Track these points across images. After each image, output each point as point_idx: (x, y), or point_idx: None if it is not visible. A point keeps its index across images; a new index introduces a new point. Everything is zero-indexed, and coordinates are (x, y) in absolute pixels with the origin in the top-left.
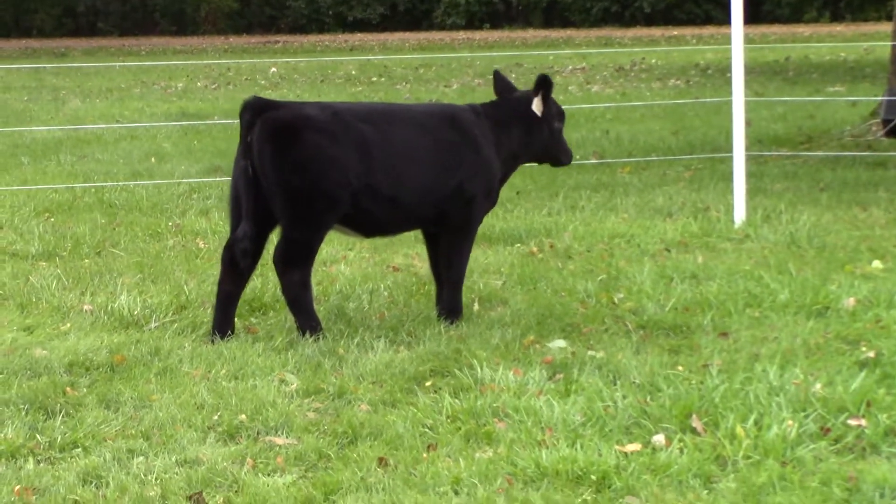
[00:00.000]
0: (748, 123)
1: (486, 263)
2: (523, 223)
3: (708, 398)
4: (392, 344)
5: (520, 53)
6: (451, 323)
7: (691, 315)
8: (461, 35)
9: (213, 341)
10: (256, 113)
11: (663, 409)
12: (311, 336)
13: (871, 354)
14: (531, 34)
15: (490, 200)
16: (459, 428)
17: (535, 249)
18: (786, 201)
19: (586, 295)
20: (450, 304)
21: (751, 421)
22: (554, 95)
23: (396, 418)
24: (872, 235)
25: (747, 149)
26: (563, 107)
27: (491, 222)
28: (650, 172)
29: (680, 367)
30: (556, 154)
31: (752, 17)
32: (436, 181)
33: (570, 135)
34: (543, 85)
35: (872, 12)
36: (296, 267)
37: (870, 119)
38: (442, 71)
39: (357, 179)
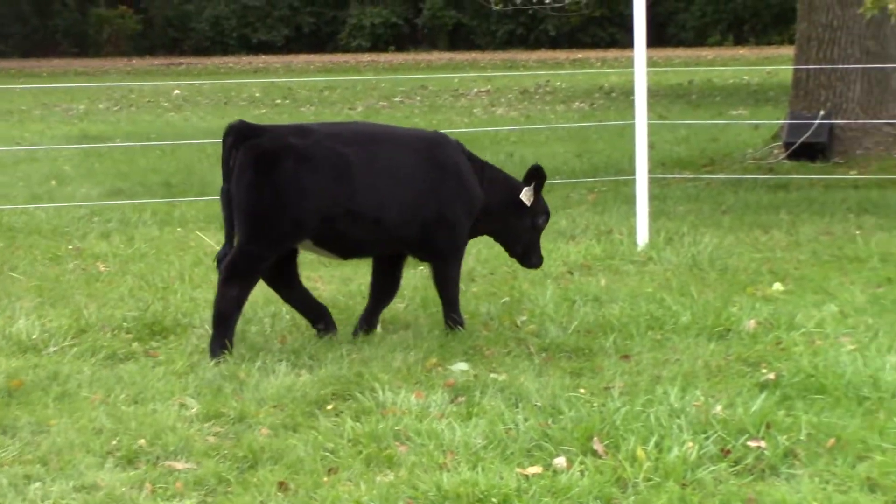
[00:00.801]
0: (651, 146)
1: None
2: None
3: (609, 420)
4: (293, 367)
5: (425, 76)
6: (453, 328)
7: (594, 338)
8: (366, 57)
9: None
10: (240, 139)
11: (565, 432)
12: (213, 359)
13: (772, 376)
14: (436, 57)
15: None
16: (361, 451)
17: None
18: (688, 224)
19: (489, 317)
20: (451, 320)
21: (651, 443)
22: (458, 118)
23: (297, 442)
24: (773, 258)
25: (650, 171)
26: (468, 129)
27: None
28: (554, 195)
29: (582, 390)
30: (528, 250)
31: (656, 41)
32: (418, 204)
33: None
34: (536, 176)
35: (775, 36)
36: (239, 281)
37: (772, 142)
38: (347, 93)
39: (334, 206)
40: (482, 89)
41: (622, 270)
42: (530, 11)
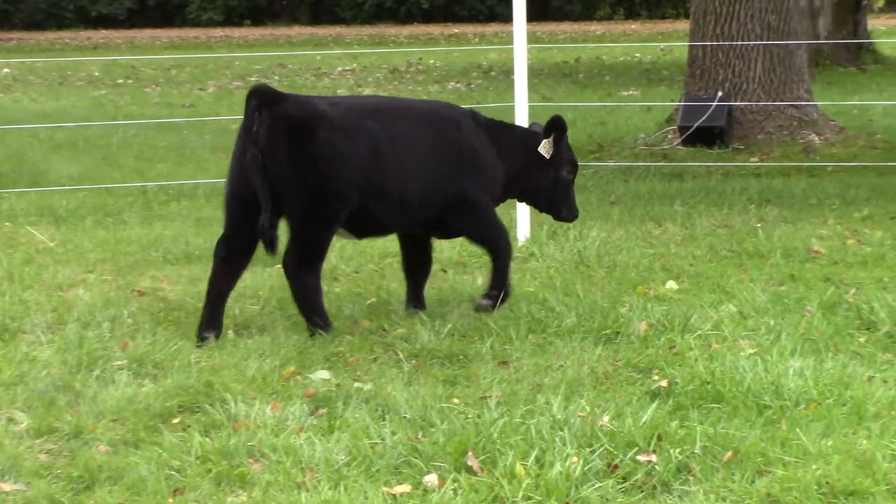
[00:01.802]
0: None
1: (242, 287)
2: (284, 240)
3: (485, 433)
4: (136, 377)
5: (284, 53)
6: (494, 306)
7: (469, 342)
8: (218, 32)
9: (200, 343)
10: (264, 102)
11: (437, 447)
12: (324, 333)
13: (664, 384)
14: (297, 32)
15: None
16: (210, 470)
17: None
18: None
19: (353, 320)
20: (497, 286)
21: (532, 458)
22: None
23: (139, 460)
24: (667, 253)
25: None
26: None
27: None
28: None
29: (455, 400)
30: (558, 205)
31: (539, 14)
32: (438, 182)
33: None
34: (555, 127)
35: (669, 9)
36: (310, 269)
37: (666, 126)
38: (197, 72)
39: (367, 178)
40: (347, 68)
41: None
42: None
